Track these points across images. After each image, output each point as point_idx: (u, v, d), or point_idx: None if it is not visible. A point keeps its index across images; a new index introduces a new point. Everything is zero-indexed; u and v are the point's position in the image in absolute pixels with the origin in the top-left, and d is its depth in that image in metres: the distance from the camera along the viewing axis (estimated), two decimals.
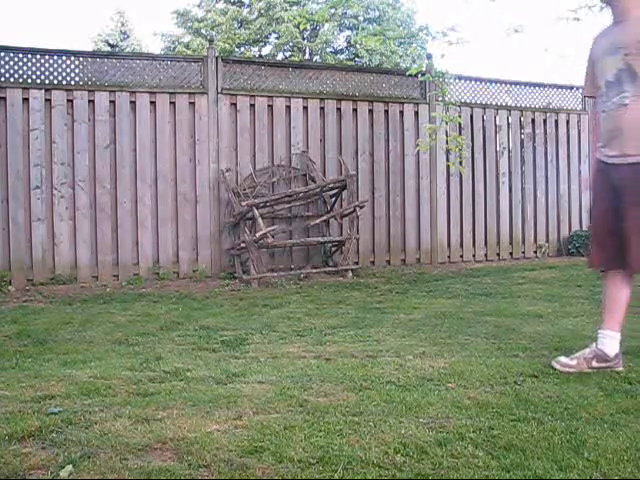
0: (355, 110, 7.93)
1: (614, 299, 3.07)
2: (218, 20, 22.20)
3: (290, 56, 22.19)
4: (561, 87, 9.27)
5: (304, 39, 22.29)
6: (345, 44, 23.16)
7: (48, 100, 6.64)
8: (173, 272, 7.08)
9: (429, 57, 8.22)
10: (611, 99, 3.07)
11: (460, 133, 8.10)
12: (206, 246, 7.21)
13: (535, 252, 8.87)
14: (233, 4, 23.30)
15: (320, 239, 7.25)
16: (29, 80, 6.63)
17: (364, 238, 7.81)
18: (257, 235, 6.54)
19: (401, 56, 20.97)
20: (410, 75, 7.53)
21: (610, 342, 3.02)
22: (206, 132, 7.24)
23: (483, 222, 8.61)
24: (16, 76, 6.59)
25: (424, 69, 7.55)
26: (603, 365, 3.00)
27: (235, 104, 7.38)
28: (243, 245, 6.78)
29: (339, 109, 7.85)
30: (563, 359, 3.05)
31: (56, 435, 2.22)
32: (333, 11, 20.21)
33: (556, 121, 9.09)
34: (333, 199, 7.51)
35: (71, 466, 1.95)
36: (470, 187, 8.51)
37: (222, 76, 7.33)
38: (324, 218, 7.28)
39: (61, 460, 2.00)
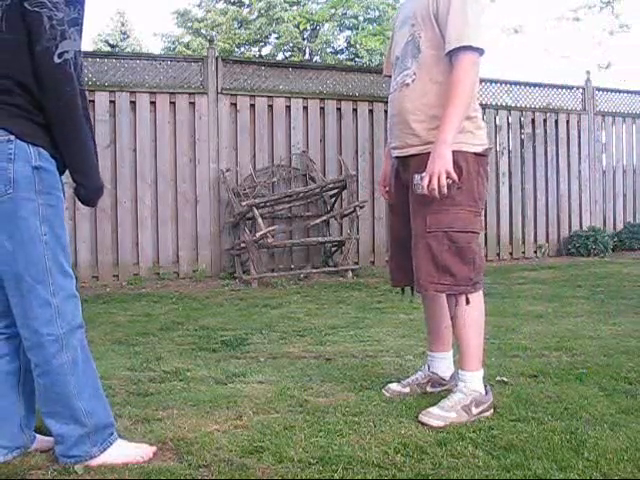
0: (355, 110, 7.93)
1: (434, 318, 2.67)
2: (218, 20, 22.21)
3: (290, 56, 22.19)
4: (561, 87, 9.26)
5: (304, 39, 22.28)
6: (345, 44, 23.14)
7: None
8: (173, 272, 7.08)
9: None
10: (395, 78, 2.53)
11: None
12: (206, 246, 7.21)
13: (535, 252, 8.86)
14: (233, 4, 23.30)
15: (320, 239, 7.25)
16: None
17: (364, 238, 7.81)
18: (257, 235, 6.54)
19: None
20: None
21: (443, 363, 2.69)
22: (206, 132, 7.24)
23: (483, 222, 8.59)
24: None
25: None
26: (439, 389, 2.66)
27: (235, 104, 7.38)
28: (243, 245, 6.78)
29: (339, 109, 7.85)
30: (394, 386, 2.69)
31: None
32: (333, 11, 20.22)
33: (556, 121, 9.09)
34: (333, 199, 7.51)
35: (81, 466, 1.96)
36: None
37: (222, 76, 7.33)
38: (324, 218, 7.27)
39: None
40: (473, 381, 2.44)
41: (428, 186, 2.32)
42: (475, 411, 2.38)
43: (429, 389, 2.69)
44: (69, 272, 1.97)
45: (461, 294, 2.41)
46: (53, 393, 1.94)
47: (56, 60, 1.80)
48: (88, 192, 1.99)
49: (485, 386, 2.47)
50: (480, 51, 2.36)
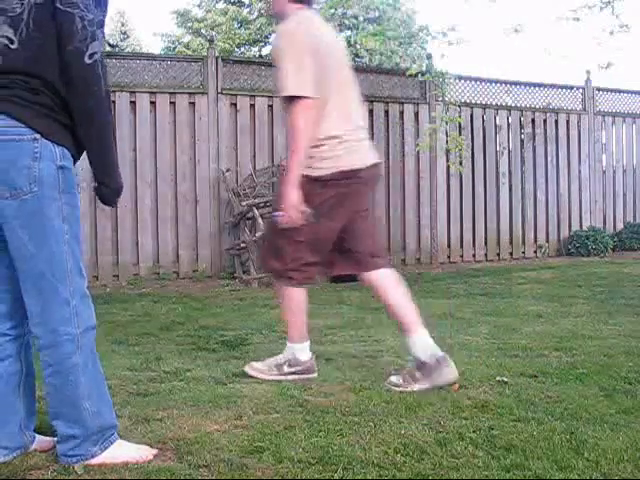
0: None
1: (294, 311, 3.01)
2: (218, 20, 22.19)
3: None
4: (561, 87, 9.26)
5: None
6: (345, 44, 23.15)
7: None
8: (173, 272, 7.08)
9: (429, 57, 8.22)
10: None
11: (460, 133, 8.09)
12: (206, 246, 7.21)
13: (535, 252, 8.86)
14: (233, 4, 23.29)
15: None
16: None
17: None
18: (257, 235, 6.54)
19: (401, 56, 20.96)
20: (410, 75, 7.53)
21: (302, 350, 2.99)
22: (206, 132, 7.24)
23: (483, 222, 8.60)
24: None
25: (424, 69, 7.55)
26: (293, 370, 2.95)
27: (235, 104, 7.38)
28: (243, 245, 6.77)
29: None
30: (255, 364, 3.00)
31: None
32: (333, 11, 20.19)
33: (556, 121, 9.09)
34: None
35: (82, 466, 1.96)
36: (470, 187, 8.51)
37: (222, 76, 7.32)
38: None
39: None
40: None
41: (286, 221, 2.75)
42: (287, 370, 2.93)
43: (286, 369, 2.98)
44: (84, 272, 2.00)
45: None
46: (64, 394, 1.94)
47: (87, 61, 1.82)
48: (111, 192, 2.01)
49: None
50: (306, 97, 2.68)
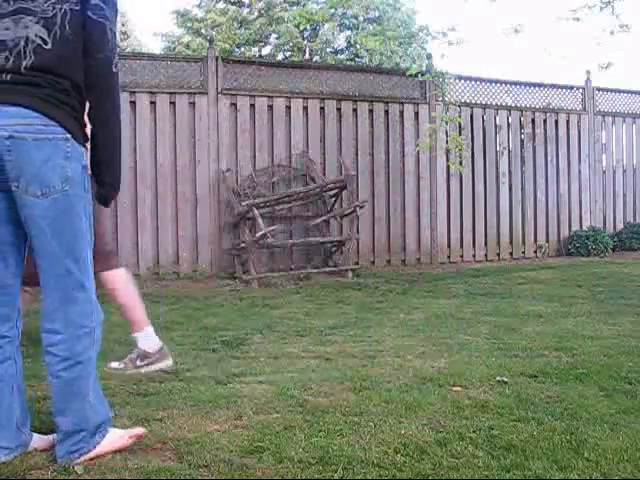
0: (355, 110, 7.93)
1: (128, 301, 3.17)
2: (218, 20, 22.18)
3: (290, 56, 22.17)
4: (561, 87, 9.26)
5: (304, 39, 22.28)
6: (345, 44, 23.12)
7: None
8: (173, 272, 7.08)
9: (429, 57, 8.22)
10: None
11: (460, 133, 8.09)
12: (206, 246, 7.21)
13: (535, 252, 8.86)
14: (233, 4, 23.28)
15: (320, 239, 7.25)
16: None
17: (364, 238, 7.81)
18: (257, 235, 6.54)
19: (401, 56, 20.95)
20: (410, 75, 7.53)
21: (146, 340, 3.14)
22: (206, 132, 7.24)
23: (483, 222, 8.60)
24: None
25: (424, 69, 7.55)
26: (146, 362, 3.11)
27: (235, 104, 7.38)
28: (243, 245, 6.78)
29: (339, 109, 7.85)
30: (113, 364, 3.12)
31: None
32: (333, 11, 20.18)
33: (556, 121, 9.09)
34: (333, 199, 7.51)
35: (81, 466, 1.96)
36: (470, 187, 8.51)
37: (222, 76, 7.32)
38: (324, 218, 7.27)
39: (61, 460, 2.00)
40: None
41: None
42: (140, 363, 3.06)
43: (139, 363, 3.13)
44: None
45: None
46: (75, 387, 1.98)
47: (114, 69, 1.97)
48: (111, 191, 2.11)
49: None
50: None
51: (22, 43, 1.86)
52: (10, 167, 1.85)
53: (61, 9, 1.89)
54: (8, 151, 1.84)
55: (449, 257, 8.36)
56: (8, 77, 1.86)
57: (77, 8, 1.91)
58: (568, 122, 9.17)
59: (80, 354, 1.96)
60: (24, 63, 1.86)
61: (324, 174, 7.60)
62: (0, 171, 1.86)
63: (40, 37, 1.87)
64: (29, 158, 1.85)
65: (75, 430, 1.99)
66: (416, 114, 8.23)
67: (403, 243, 8.14)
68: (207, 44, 9.32)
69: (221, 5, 23.77)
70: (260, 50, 23.17)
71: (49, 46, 1.87)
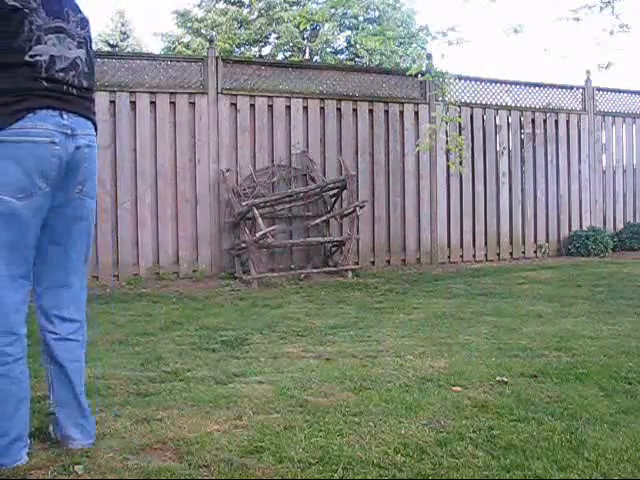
0: (355, 110, 7.93)
1: None
2: (218, 20, 22.18)
3: (290, 56, 22.17)
4: (561, 87, 9.26)
5: (304, 39, 22.28)
6: (345, 44, 23.12)
7: None
8: (173, 272, 7.08)
9: (429, 57, 8.22)
10: None
11: (460, 133, 8.09)
12: (206, 246, 7.21)
13: (535, 252, 8.86)
14: (233, 4, 23.28)
15: (320, 239, 7.25)
16: None
17: (364, 238, 7.81)
18: (257, 235, 6.54)
19: (401, 56, 20.97)
20: (410, 75, 7.53)
21: None
22: (206, 132, 7.24)
23: (483, 222, 8.60)
24: None
25: (424, 69, 7.55)
26: None
27: (235, 104, 7.38)
28: (243, 245, 6.78)
29: (339, 109, 7.85)
30: None
31: None
32: (333, 11, 20.16)
33: (556, 121, 9.09)
34: (333, 199, 7.51)
35: (81, 466, 1.96)
36: (470, 187, 8.51)
37: (222, 76, 7.32)
38: (324, 218, 7.27)
39: (61, 460, 2.00)
40: None
41: None
42: None
43: None
44: None
45: None
46: (84, 368, 2.20)
47: None
48: None
49: None
50: None
51: (79, 64, 2.08)
52: (84, 172, 2.08)
53: (86, 37, 2.13)
54: (86, 158, 2.08)
55: (449, 257, 8.36)
56: (75, 91, 2.06)
57: (90, 35, 2.18)
58: (568, 122, 9.17)
59: (85, 335, 2.19)
60: (84, 83, 2.10)
61: (324, 174, 7.60)
62: (75, 174, 2.05)
63: (82, 60, 2.09)
64: (94, 165, 2.15)
65: (90, 405, 2.18)
66: (416, 114, 8.23)
67: (403, 243, 8.14)
68: (207, 44, 9.33)
69: (221, 5, 23.76)
70: (260, 50, 23.17)
71: (87, 69, 2.12)
